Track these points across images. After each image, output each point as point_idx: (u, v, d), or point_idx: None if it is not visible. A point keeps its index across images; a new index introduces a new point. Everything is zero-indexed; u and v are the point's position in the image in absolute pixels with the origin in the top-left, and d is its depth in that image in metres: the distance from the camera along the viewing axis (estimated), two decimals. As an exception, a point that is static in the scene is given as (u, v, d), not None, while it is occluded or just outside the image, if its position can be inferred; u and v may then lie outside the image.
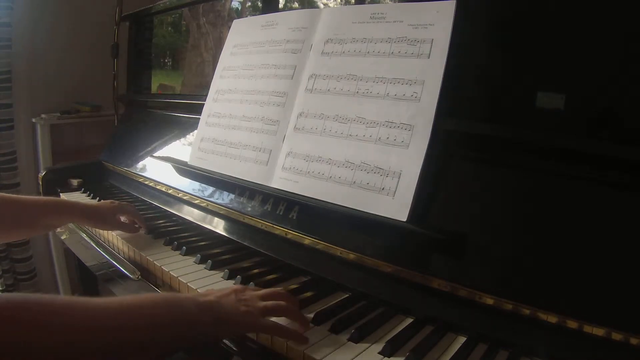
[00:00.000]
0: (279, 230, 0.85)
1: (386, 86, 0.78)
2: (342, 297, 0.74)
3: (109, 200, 1.02)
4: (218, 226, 0.99)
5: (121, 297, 0.55)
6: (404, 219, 0.69)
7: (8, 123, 1.85)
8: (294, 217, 0.83)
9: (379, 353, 0.58)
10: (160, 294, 0.58)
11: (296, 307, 0.65)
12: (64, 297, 0.53)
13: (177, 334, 0.55)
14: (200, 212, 1.04)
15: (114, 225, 0.97)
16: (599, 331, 0.53)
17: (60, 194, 1.33)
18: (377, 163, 0.75)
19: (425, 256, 0.68)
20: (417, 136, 0.72)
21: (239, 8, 1.44)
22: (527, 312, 0.58)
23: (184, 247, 0.89)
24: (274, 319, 0.62)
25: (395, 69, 0.78)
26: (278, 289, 0.67)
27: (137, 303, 0.54)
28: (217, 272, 0.81)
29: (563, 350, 0.55)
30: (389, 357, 0.57)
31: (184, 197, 1.09)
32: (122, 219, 1.00)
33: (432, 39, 0.75)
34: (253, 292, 0.64)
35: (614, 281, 0.54)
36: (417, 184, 0.70)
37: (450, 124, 0.72)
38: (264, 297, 0.63)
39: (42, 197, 0.96)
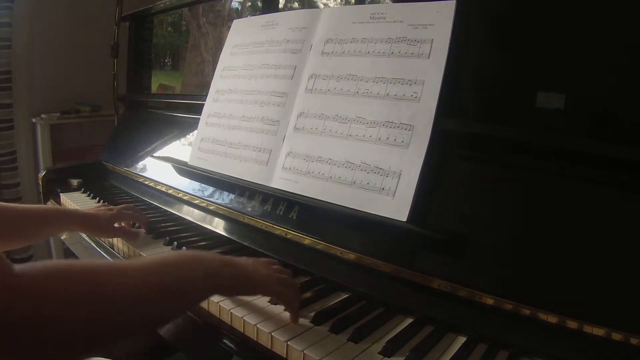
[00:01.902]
0: (279, 230, 0.85)
1: (386, 86, 0.78)
2: (342, 297, 0.74)
3: (107, 207, 1.01)
4: (218, 226, 0.99)
5: (149, 258, 0.58)
6: (404, 219, 0.69)
7: (8, 123, 1.85)
8: (294, 217, 0.83)
9: (379, 353, 0.58)
10: (186, 252, 0.64)
11: (299, 300, 0.67)
12: (96, 262, 0.54)
13: (201, 284, 0.58)
14: (200, 212, 1.04)
15: (113, 233, 0.97)
16: (599, 331, 0.53)
17: (60, 194, 1.33)
18: (377, 163, 0.75)
19: (425, 256, 0.68)
20: (417, 136, 0.72)
21: (239, 8, 1.44)
22: (527, 312, 0.58)
23: (184, 247, 0.89)
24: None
25: (395, 69, 0.78)
26: (292, 279, 0.70)
27: (170, 260, 0.58)
28: (217, 272, 0.81)
29: (563, 350, 0.55)
30: (389, 357, 0.57)
31: (184, 197, 1.09)
32: (122, 226, 1.00)
33: (432, 39, 0.75)
34: (270, 263, 0.69)
35: (613, 281, 0.54)
36: (417, 184, 0.70)
37: (450, 124, 0.72)
38: (279, 271, 0.68)
39: (40, 206, 0.97)
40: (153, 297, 0.51)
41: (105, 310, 0.45)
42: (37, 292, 0.40)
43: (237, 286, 0.63)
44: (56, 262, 0.47)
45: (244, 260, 0.67)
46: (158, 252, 0.90)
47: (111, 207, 1.01)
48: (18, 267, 0.40)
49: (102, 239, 1.02)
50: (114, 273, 0.49)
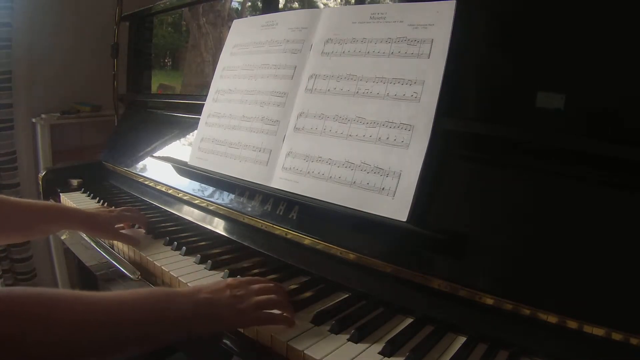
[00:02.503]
0: (279, 230, 0.85)
1: (386, 86, 0.78)
2: (342, 297, 0.73)
3: (108, 209, 1.01)
4: (218, 226, 0.99)
5: (119, 292, 0.58)
6: (404, 219, 0.69)
7: (8, 123, 1.85)
8: (294, 217, 0.83)
9: (379, 353, 0.58)
10: (158, 290, 0.63)
11: (286, 298, 0.67)
12: (60, 290, 0.56)
13: (174, 329, 0.58)
14: (200, 212, 1.04)
15: (113, 235, 0.96)
16: (599, 331, 0.53)
17: (60, 194, 1.33)
18: (377, 163, 0.75)
19: (425, 256, 0.68)
20: (417, 136, 0.72)
21: (239, 8, 1.44)
22: (527, 312, 0.58)
23: (184, 247, 0.89)
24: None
25: (395, 69, 0.78)
26: (269, 283, 0.68)
27: (137, 298, 0.57)
28: (217, 272, 0.81)
29: (563, 350, 0.55)
30: (389, 357, 0.57)
31: (184, 197, 1.09)
32: (123, 229, 1.00)
33: (432, 39, 0.75)
34: (247, 287, 0.65)
35: (613, 281, 0.54)
36: (417, 184, 0.70)
37: (450, 124, 0.72)
38: (257, 292, 0.65)
39: (42, 202, 0.97)
40: (119, 327, 0.53)
41: (70, 336, 0.48)
42: (23, 315, 0.43)
43: (214, 326, 0.62)
44: (40, 289, 0.50)
45: (219, 297, 0.62)
46: (158, 252, 0.90)
47: (112, 208, 1.01)
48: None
49: (102, 239, 1.03)
50: (82, 302, 0.52)
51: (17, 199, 0.89)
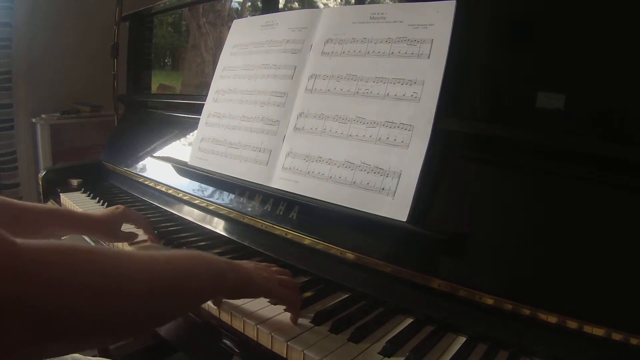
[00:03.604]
0: (279, 230, 0.85)
1: (386, 86, 0.78)
2: (342, 297, 0.73)
3: (114, 207, 0.99)
4: (218, 226, 0.99)
5: (156, 252, 0.56)
6: (404, 219, 0.69)
7: (8, 123, 1.85)
8: (294, 217, 0.83)
9: (379, 353, 0.58)
10: (194, 252, 0.62)
11: (300, 301, 0.68)
12: (105, 247, 0.52)
13: (210, 281, 0.58)
14: (200, 212, 1.04)
15: (120, 237, 0.94)
16: (599, 331, 0.53)
17: (60, 194, 1.33)
18: (377, 163, 0.75)
19: (425, 256, 0.68)
20: (417, 136, 0.72)
21: (239, 8, 1.44)
22: (527, 312, 0.58)
23: (184, 247, 0.89)
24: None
25: (395, 69, 0.78)
26: (292, 279, 0.71)
27: (180, 256, 0.57)
28: (217, 272, 0.81)
29: (563, 350, 0.55)
30: (389, 357, 0.57)
31: (184, 197, 1.09)
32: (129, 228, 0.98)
33: (432, 39, 0.75)
34: (270, 266, 0.71)
35: (613, 281, 0.54)
36: (417, 184, 0.70)
37: (450, 124, 0.72)
38: (279, 272, 0.69)
39: (47, 206, 0.95)
40: (161, 290, 0.49)
41: (111, 301, 0.43)
42: (40, 276, 0.37)
43: (240, 288, 0.63)
44: (62, 244, 0.43)
45: (245, 263, 0.67)
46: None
47: (118, 206, 0.98)
48: (21, 242, 0.37)
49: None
50: (123, 261, 0.48)
51: (21, 201, 0.88)
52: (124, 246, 0.95)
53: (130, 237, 0.95)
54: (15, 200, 0.85)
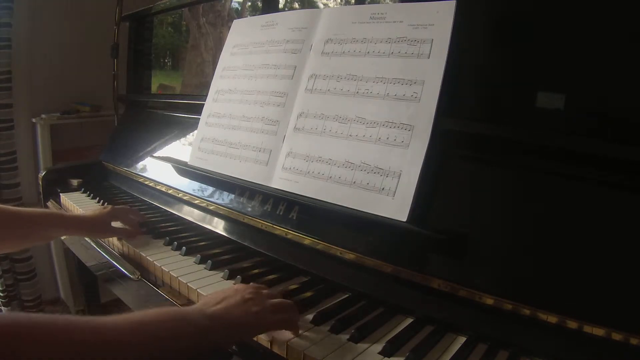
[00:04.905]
0: (279, 230, 0.85)
1: (386, 86, 0.78)
2: (342, 297, 0.74)
3: (102, 207, 1.02)
4: (218, 226, 0.99)
5: (125, 314, 0.52)
6: (404, 219, 0.69)
7: (8, 123, 1.85)
8: (294, 217, 0.83)
9: (379, 353, 0.58)
10: (166, 309, 0.57)
11: (297, 317, 0.64)
12: (65, 316, 0.48)
13: (188, 347, 0.53)
14: (200, 212, 1.04)
15: (111, 233, 0.98)
16: (599, 331, 0.53)
17: (60, 194, 1.33)
18: (377, 163, 0.75)
19: (425, 256, 0.67)
20: (417, 136, 0.72)
21: (239, 8, 1.44)
22: (527, 312, 0.58)
23: (184, 248, 0.89)
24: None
25: (395, 69, 0.78)
26: (284, 300, 0.65)
27: (143, 320, 0.52)
28: (217, 272, 0.81)
29: (563, 350, 0.55)
30: (389, 357, 0.57)
31: (184, 197, 1.09)
32: (119, 224, 1.01)
33: (432, 39, 0.75)
34: (258, 290, 0.64)
35: (613, 281, 0.54)
36: (417, 184, 0.70)
37: (450, 124, 0.72)
38: (269, 296, 0.63)
39: (39, 210, 0.97)
40: (131, 355, 0.48)
41: None
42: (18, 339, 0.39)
43: (232, 338, 0.59)
44: (23, 316, 0.44)
45: (231, 304, 0.60)
46: (158, 252, 0.90)
47: (105, 205, 1.02)
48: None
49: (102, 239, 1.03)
50: (87, 330, 0.46)
51: (15, 207, 0.90)
52: (119, 242, 0.97)
53: (118, 233, 0.98)
54: (9, 207, 0.87)
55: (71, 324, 0.46)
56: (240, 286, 0.65)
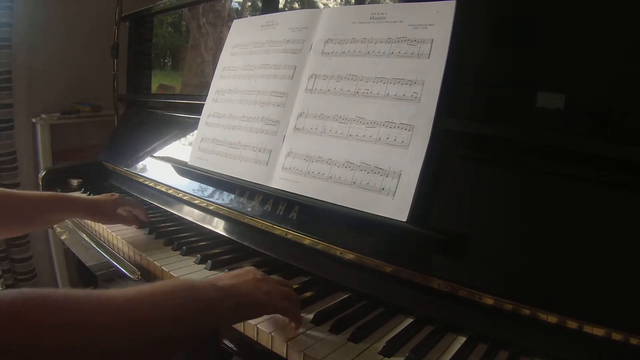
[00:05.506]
0: (279, 230, 0.85)
1: (386, 86, 0.78)
2: (342, 297, 0.74)
3: (109, 194, 1.03)
4: (218, 226, 0.99)
5: (137, 287, 0.51)
6: (404, 219, 0.69)
7: (8, 123, 1.85)
8: (294, 217, 0.83)
9: (379, 353, 0.58)
10: (177, 281, 0.55)
11: (300, 309, 0.65)
12: (76, 290, 0.47)
13: (199, 321, 0.53)
14: (200, 212, 1.04)
15: (115, 219, 0.99)
16: (599, 331, 0.53)
17: (60, 194, 1.33)
18: (377, 163, 0.75)
19: (425, 256, 0.68)
20: (417, 136, 0.72)
21: (239, 8, 1.44)
22: (527, 312, 0.58)
23: (184, 248, 0.89)
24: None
25: (395, 69, 0.78)
26: (292, 291, 0.66)
27: (160, 292, 0.51)
28: (217, 272, 0.81)
29: (563, 350, 0.55)
30: (389, 357, 0.57)
31: (184, 197, 1.09)
32: (123, 211, 1.02)
33: (432, 39, 0.75)
34: (268, 278, 0.64)
35: (613, 281, 0.54)
36: (417, 184, 0.70)
37: (450, 124, 0.72)
38: (279, 283, 0.65)
39: (43, 192, 0.98)
40: (141, 329, 0.47)
41: (86, 340, 0.42)
42: (15, 320, 0.38)
43: (241, 313, 0.59)
44: (34, 290, 0.44)
45: (244, 275, 0.62)
46: (158, 252, 0.90)
47: (113, 193, 1.03)
48: None
49: (103, 232, 1.04)
50: (97, 302, 0.45)
51: (18, 190, 0.90)
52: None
53: (125, 220, 1.00)
54: (13, 190, 0.87)
55: (83, 297, 0.45)
56: (252, 268, 0.65)
